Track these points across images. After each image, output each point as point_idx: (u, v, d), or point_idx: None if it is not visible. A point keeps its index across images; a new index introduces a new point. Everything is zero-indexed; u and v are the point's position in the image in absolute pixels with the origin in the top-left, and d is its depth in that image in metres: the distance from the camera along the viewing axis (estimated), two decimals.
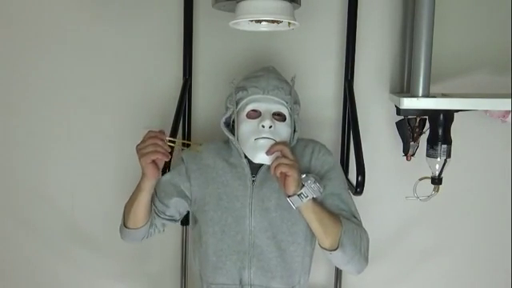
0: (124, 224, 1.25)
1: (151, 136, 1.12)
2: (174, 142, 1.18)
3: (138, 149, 1.11)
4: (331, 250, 1.12)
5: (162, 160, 1.13)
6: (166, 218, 1.28)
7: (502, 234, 1.63)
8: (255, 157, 1.18)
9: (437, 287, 1.68)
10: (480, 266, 1.65)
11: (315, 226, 1.12)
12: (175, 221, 1.32)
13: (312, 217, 1.11)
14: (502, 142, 1.58)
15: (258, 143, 1.17)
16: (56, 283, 1.72)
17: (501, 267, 1.64)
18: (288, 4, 1.23)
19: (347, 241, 1.12)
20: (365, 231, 1.21)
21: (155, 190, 1.27)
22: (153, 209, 1.26)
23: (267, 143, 1.16)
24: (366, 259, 1.19)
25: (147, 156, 1.09)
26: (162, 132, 1.14)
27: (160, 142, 1.11)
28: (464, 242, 1.64)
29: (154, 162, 1.12)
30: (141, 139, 1.13)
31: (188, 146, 1.35)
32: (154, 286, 1.70)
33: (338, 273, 1.59)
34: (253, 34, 1.51)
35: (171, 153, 1.15)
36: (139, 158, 1.11)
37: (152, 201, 1.25)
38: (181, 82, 1.53)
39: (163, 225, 1.30)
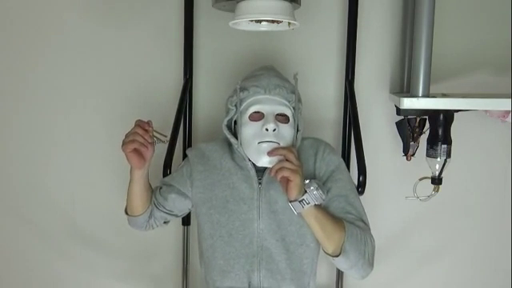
0: (125, 209, 1.29)
1: (135, 125, 1.15)
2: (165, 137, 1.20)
3: (124, 138, 1.14)
4: (334, 256, 1.11)
5: (145, 150, 1.14)
6: (165, 211, 1.29)
7: (502, 234, 1.63)
8: (259, 160, 1.16)
9: (437, 287, 1.68)
10: (480, 266, 1.65)
11: (317, 232, 1.10)
12: (176, 216, 1.32)
13: (314, 223, 1.09)
14: (502, 142, 1.58)
15: (261, 147, 1.15)
16: (56, 283, 1.73)
17: (501, 267, 1.64)
18: (288, 4, 1.23)
19: (350, 247, 1.10)
20: (370, 236, 1.17)
21: (160, 182, 1.31)
22: (153, 201, 1.28)
23: (271, 147, 1.14)
24: (371, 265, 1.16)
25: (126, 145, 1.12)
26: (147, 123, 1.15)
27: (140, 132, 1.12)
28: (464, 242, 1.64)
29: (137, 151, 1.13)
30: None
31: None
32: (155, 287, 1.70)
33: (340, 273, 1.59)
34: (253, 34, 1.51)
35: (173, 145, 1.15)
36: (121, 147, 1.13)
37: (154, 193, 1.28)
38: (181, 82, 1.53)
39: (163, 218, 1.31)
